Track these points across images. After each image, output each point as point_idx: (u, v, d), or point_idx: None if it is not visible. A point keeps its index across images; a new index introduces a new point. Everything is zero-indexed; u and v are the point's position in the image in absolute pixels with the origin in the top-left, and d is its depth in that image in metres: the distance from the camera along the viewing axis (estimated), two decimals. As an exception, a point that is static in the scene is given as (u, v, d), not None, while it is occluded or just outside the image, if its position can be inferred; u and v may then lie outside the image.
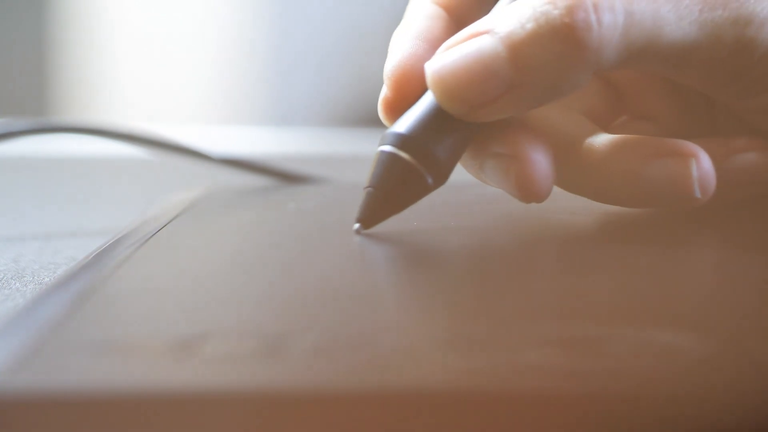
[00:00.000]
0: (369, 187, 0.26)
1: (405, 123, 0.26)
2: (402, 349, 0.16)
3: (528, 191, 0.26)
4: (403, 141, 0.26)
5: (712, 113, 0.31)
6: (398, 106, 0.27)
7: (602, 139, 0.28)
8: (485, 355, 0.15)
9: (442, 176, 0.26)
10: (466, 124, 0.26)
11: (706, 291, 0.21)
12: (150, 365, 0.15)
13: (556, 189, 0.28)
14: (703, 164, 0.26)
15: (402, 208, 0.26)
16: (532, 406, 0.14)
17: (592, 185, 0.28)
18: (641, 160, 0.26)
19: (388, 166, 0.26)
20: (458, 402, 0.14)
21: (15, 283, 0.28)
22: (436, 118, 0.26)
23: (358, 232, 0.26)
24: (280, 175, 0.43)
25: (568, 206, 0.31)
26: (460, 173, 0.28)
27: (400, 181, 0.26)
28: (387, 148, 0.26)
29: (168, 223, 0.28)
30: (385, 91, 0.27)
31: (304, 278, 0.22)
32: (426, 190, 0.26)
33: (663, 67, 0.26)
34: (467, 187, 0.31)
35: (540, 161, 0.26)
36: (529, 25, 0.24)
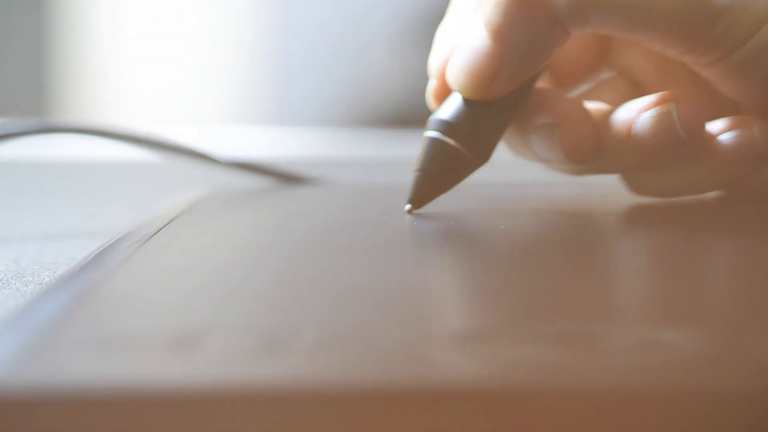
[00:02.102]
0: (418, 170, 0.29)
1: (447, 110, 0.29)
2: (402, 345, 0.16)
3: (573, 151, 0.29)
4: (446, 126, 0.29)
5: (738, 110, 0.31)
6: (445, 96, 0.30)
7: (602, 108, 0.30)
8: (484, 350, 0.16)
9: (484, 156, 0.29)
10: (498, 104, 0.29)
11: (705, 288, 0.21)
12: (151, 361, 0.15)
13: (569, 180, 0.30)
14: (682, 105, 0.28)
15: (449, 188, 0.29)
16: (530, 403, 0.14)
17: (602, 161, 0.29)
18: (632, 116, 0.28)
19: (433, 150, 0.29)
20: (458, 398, 0.14)
21: (15, 283, 0.28)
22: (471, 103, 0.29)
23: (409, 212, 0.29)
24: (280, 177, 0.43)
25: (578, 205, 0.31)
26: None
27: (446, 163, 0.29)
28: (432, 133, 0.29)
29: (168, 223, 0.28)
30: (432, 83, 0.31)
31: (305, 276, 0.22)
32: (470, 169, 0.29)
33: (624, 24, 0.27)
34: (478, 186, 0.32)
35: (580, 122, 0.29)
36: (494, 0, 0.28)
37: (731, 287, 0.21)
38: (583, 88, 0.34)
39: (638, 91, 0.33)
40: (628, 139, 0.28)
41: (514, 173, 0.35)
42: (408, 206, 0.29)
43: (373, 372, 0.15)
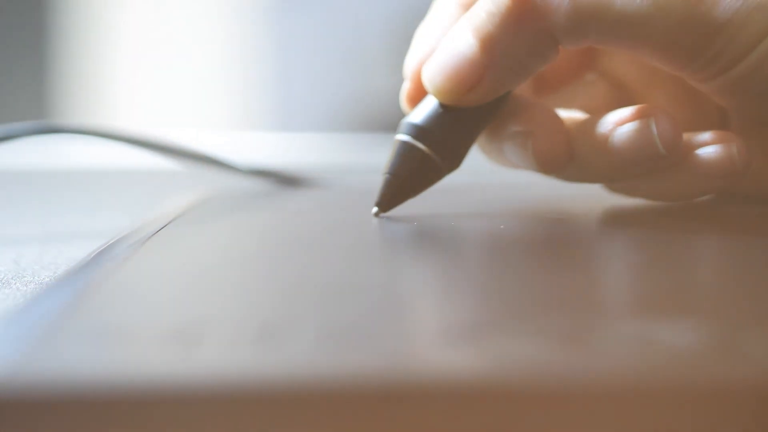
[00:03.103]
0: (387, 173, 0.28)
1: (419, 114, 0.28)
2: (399, 340, 0.16)
3: (545, 161, 0.29)
4: (418, 130, 0.28)
5: (722, 113, 0.31)
6: (418, 98, 0.30)
7: (579, 118, 0.30)
8: (477, 346, 0.16)
9: (454, 162, 0.28)
10: (471, 111, 0.28)
11: (698, 284, 0.21)
12: (151, 354, 0.15)
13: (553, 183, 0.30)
14: (661, 120, 0.27)
15: (417, 193, 0.29)
16: (526, 398, 0.14)
17: (573, 163, 0.29)
18: (609, 128, 0.28)
19: (404, 154, 0.28)
20: (452, 393, 0.14)
21: (16, 283, 0.28)
22: (446, 108, 0.28)
23: (376, 215, 0.28)
24: (280, 179, 0.44)
25: (571, 204, 0.31)
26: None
27: (416, 168, 0.28)
28: (403, 137, 0.28)
29: (168, 223, 0.28)
30: (406, 85, 0.31)
31: (303, 274, 0.22)
32: (439, 175, 0.28)
33: (620, 40, 0.27)
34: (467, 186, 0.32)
35: (553, 131, 0.29)
36: (486, 8, 0.27)
37: (724, 283, 0.21)
38: (566, 92, 0.34)
39: (619, 94, 0.33)
40: (605, 150, 0.28)
41: (502, 173, 0.35)
42: (375, 209, 0.28)
43: (368, 366, 0.15)
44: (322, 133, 1.38)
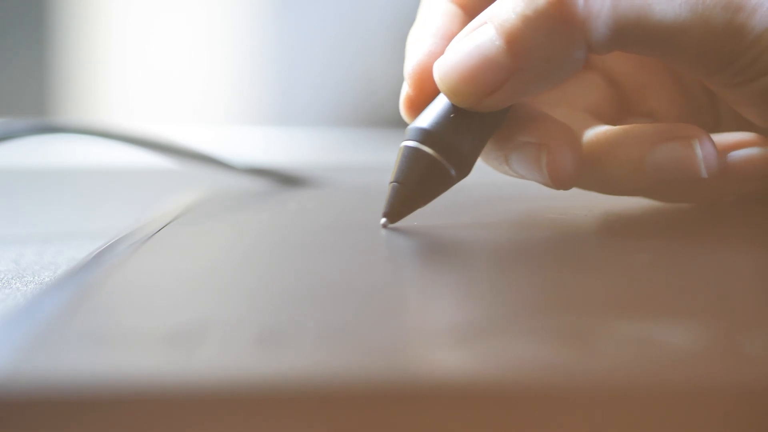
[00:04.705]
0: (394, 182, 0.27)
1: (427, 118, 0.27)
2: (398, 340, 0.16)
3: (559, 177, 0.27)
4: (425, 135, 0.26)
5: (716, 111, 0.31)
6: (419, 103, 0.28)
7: (606, 131, 0.29)
8: (478, 346, 0.16)
9: (465, 168, 0.27)
10: (484, 115, 0.27)
11: (698, 285, 0.21)
12: (150, 356, 0.15)
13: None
14: (706, 144, 0.27)
15: (427, 202, 0.27)
16: (525, 398, 0.14)
17: (598, 177, 0.28)
18: (646, 147, 0.27)
19: (412, 160, 0.27)
20: (453, 394, 0.14)
21: (16, 283, 0.28)
22: (458, 111, 0.26)
23: (384, 226, 0.27)
24: (280, 179, 0.44)
25: (572, 204, 0.31)
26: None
27: (425, 175, 0.26)
28: (411, 143, 0.27)
29: (169, 223, 0.28)
30: (406, 89, 0.28)
31: (303, 274, 0.22)
32: (450, 182, 0.27)
33: (655, 48, 0.26)
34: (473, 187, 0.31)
35: (569, 148, 0.27)
36: (519, 9, 0.25)
37: (724, 284, 0.21)
38: (558, 89, 0.33)
39: (615, 92, 0.33)
40: (639, 169, 0.27)
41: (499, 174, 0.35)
42: (383, 220, 0.27)
43: (368, 367, 0.15)
44: (322, 128, 1.38)
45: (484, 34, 0.26)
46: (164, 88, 1.66)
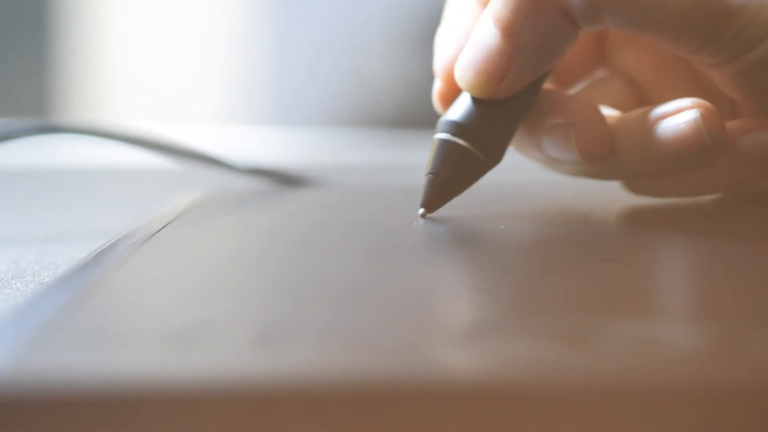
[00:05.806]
0: (430, 173, 0.28)
1: (457, 111, 0.28)
2: (402, 341, 0.16)
3: (589, 150, 0.29)
4: (457, 127, 0.28)
5: (733, 108, 0.31)
6: (450, 96, 0.30)
7: (617, 115, 0.29)
8: (484, 347, 0.16)
9: (496, 156, 0.29)
10: (508, 103, 0.28)
11: (702, 285, 0.21)
12: (150, 356, 0.15)
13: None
14: (707, 113, 0.27)
15: (462, 190, 0.29)
16: (530, 398, 0.14)
17: (611, 166, 0.29)
18: (650, 126, 0.28)
19: (445, 152, 0.28)
20: (458, 394, 0.14)
21: (16, 283, 0.28)
22: (481, 102, 0.28)
23: (423, 216, 0.28)
24: (280, 178, 0.44)
25: (573, 204, 0.31)
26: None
27: (458, 165, 0.28)
28: (443, 135, 0.28)
29: (169, 223, 0.28)
30: (438, 85, 0.31)
31: (304, 274, 0.22)
32: (482, 170, 0.28)
33: (633, 22, 0.27)
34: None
35: (596, 122, 0.29)
36: None
37: (728, 285, 0.21)
38: (578, 88, 0.34)
39: (632, 90, 0.33)
40: (649, 145, 0.28)
41: (512, 174, 0.35)
42: (421, 210, 0.28)
43: (372, 367, 0.15)
44: (322, 128, 1.38)
45: (484, 27, 0.28)
46: (164, 88, 1.66)
